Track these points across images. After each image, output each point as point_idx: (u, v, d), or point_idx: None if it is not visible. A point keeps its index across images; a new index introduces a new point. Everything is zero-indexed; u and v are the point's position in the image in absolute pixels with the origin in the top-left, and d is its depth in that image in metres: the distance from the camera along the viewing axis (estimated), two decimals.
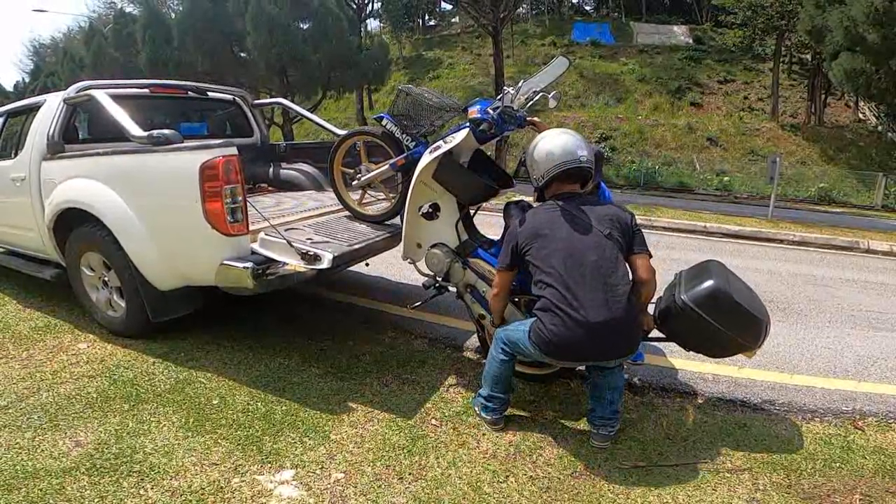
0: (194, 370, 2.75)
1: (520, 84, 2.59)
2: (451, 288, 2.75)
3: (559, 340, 2.00)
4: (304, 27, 16.17)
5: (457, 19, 33.66)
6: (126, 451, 2.02)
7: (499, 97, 2.52)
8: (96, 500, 1.78)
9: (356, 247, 2.76)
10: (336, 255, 2.49)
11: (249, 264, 2.49)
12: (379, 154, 3.08)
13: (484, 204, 2.87)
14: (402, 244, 2.80)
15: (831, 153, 18.78)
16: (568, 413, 2.49)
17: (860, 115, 21.71)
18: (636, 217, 2.28)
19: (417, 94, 2.81)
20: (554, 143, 2.20)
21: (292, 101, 9.82)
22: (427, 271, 2.75)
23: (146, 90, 3.92)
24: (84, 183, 3.04)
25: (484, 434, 2.27)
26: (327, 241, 2.69)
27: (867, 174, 16.77)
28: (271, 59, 15.23)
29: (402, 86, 2.95)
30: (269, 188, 4.45)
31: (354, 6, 20.39)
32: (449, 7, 26.47)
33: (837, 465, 2.17)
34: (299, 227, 2.95)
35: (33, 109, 3.62)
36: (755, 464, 2.15)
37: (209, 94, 4.37)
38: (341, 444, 2.15)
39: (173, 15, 19.57)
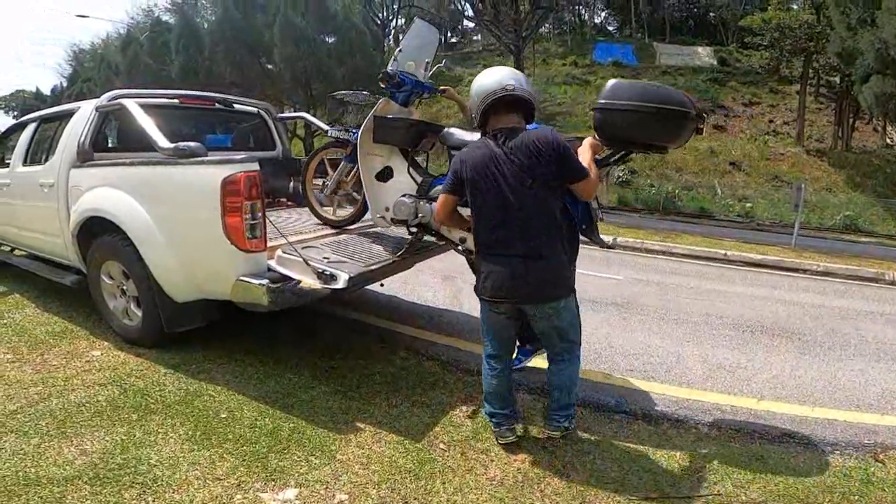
0: (205, 382, 2.75)
1: (396, 54, 2.88)
2: (429, 235, 2.92)
3: (492, 282, 2.13)
4: (330, 41, 16.56)
5: (479, 37, 34.08)
6: (130, 462, 2.02)
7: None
8: None
9: (373, 268, 2.76)
10: (352, 275, 2.49)
11: (265, 281, 2.49)
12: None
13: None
14: (370, 213, 3.05)
15: (858, 180, 18.38)
16: (578, 439, 2.42)
17: (888, 140, 21.28)
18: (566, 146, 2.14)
19: (340, 96, 3.51)
20: (483, 78, 2.22)
21: (314, 114, 10.00)
22: (398, 232, 3.09)
23: (175, 100, 3.97)
24: (109, 192, 3.09)
25: (492, 460, 2.22)
26: (344, 261, 2.69)
27: (894, 202, 16.37)
28: (297, 71, 15.59)
29: (329, 94, 3.47)
30: (289, 203, 4.50)
31: (378, 22, 20.81)
32: (471, 25, 26.84)
33: (856, 497, 2.09)
34: (317, 245, 2.95)
35: (66, 116, 3.68)
36: (771, 496, 2.07)
37: (235, 106, 4.43)
38: (347, 464, 2.11)
39: (206, 25, 20.14)
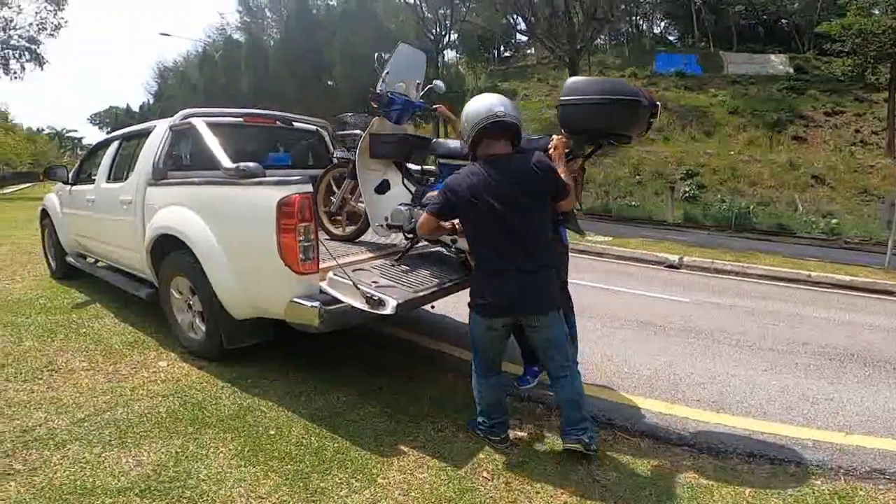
0: (257, 398, 2.82)
1: (384, 76, 3.08)
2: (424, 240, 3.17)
3: (494, 297, 2.25)
4: (386, 56, 17.09)
5: (532, 51, 33.99)
6: (181, 476, 2.08)
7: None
8: None
9: (421, 294, 2.75)
10: (400, 302, 2.48)
11: (317, 304, 2.53)
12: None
13: None
14: (370, 223, 3.30)
15: None
16: (632, 473, 2.24)
17: None
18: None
19: (345, 119, 3.81)
20: (476, 104, 2.33)
21: None
22: (396, 241, 3.42)
23: (240, 119, 4.12)
24: (179, 211, 3.25)
25: (537, 492, 2.10)
26: (393, 286, 2.69)
27: None
28: (355, 88, 16.13)
29: (334, 116, 3.75)
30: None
31: (432, 38, 21.19)
32: (524, 39, 26.84)
33: None
34: (367, 267, 2.98)
35: (145, 135, 3.88)
36: None
37: (294, 124, 4.56)
38: (387, 489, 2.07)
39: (272, 42, 21.27)
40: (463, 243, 2.78)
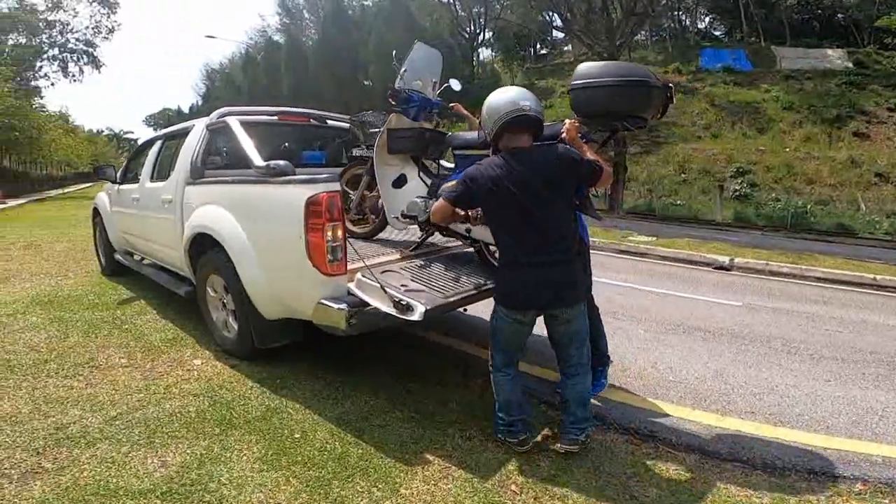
0: (286, 399, 2.78)
1: (402, 74, 3.13)
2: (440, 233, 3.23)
3: (521, 290, 2.22)
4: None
5: (569, 48, 33.16)
6: (203, 479, 2.05)
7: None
8: None
9: (451, 299, 2.64)
10: (428, 308, 2.39)
11: (345, 306, 2.47)
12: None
13: None
14: (387, 216, 3.33)
15: None
16: (676, 489, 2.06)
17: None
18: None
19: (362, 118, 3.71)
20: (497, 97, 2.28)
21: None
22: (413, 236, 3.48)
23: (275, 117, 4.11)
24: (214, 210, 3.27)
25: None
26: (422, 290, 2.59)
27: None
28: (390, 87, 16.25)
29: (351, 116, 3.76)
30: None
31: (466, 36, 20.94)
32: (561, 35, 26.24)
33: None
34: (397, 269, 2.90)
35: (184, 134, 3.93)
36: None
37: (328, 122, 4.53)
38: (410, 500, 1.97)
39: (310, 43, 21.66)
40: (477, 232, 2.82)
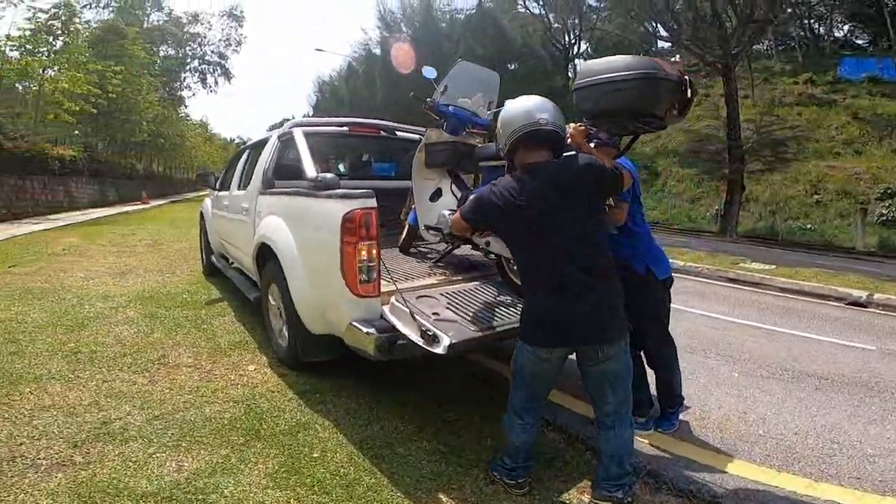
0: (318, 414, 2.72)
1: (442, 89, 3.09)
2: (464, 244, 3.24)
3: (549, 323, 1.90)
4: (511, 67, 16.66)
5: (677, 58, 30.76)
6: (208, 488, 2.02)
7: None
8: None
9: (485, 333, 2.39)
10: (454, 342, 2.20)
11: (373, 331, 2.34)
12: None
13: None
14: (420, 226, 3.34)
15: None
16: None
17: None
18: None
19: None
20: (513, 108, 2.06)
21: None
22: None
23: (345, 128, 4.11)
24: (275, 220, 3.34)
25: None
26: (454, 321, 2.40)
27: None
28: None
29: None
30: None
31: (560, 47, 20.06)
32: (667, 45, 24.37)
33: None
34: (436, 294, 2.74)
35: (263, 145, 4.10)
36: None
37: (398, 133, 4.47)
38: None
39: None
40: (495, 245, 2.74)
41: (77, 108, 16.75)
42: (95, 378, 3.10)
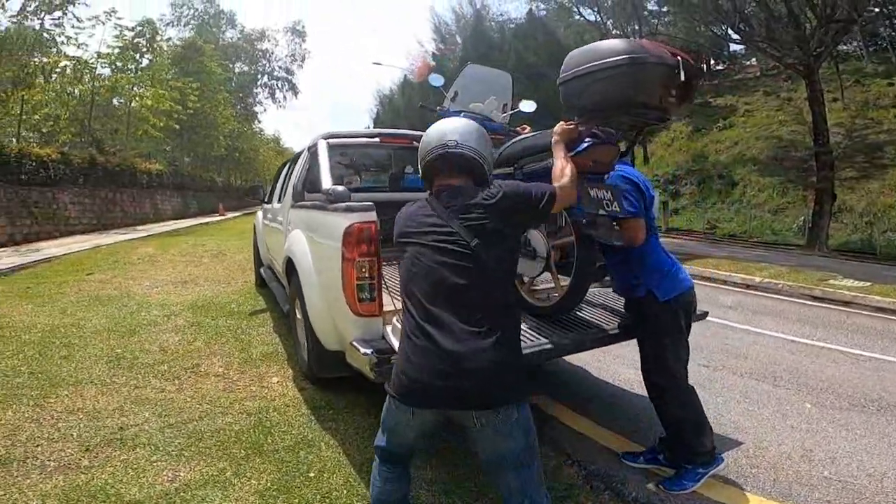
0: (326, 432, 2.65)
1: (451, 96, 2.92)
2: None
3: (409, 374, 1.49)
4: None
5: (753, 61, 28.46)
6: (194, 500, 2.00)
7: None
8: None
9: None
10: None
11: (370, 352, 2.22)
12: None
13: None
14: None
15: None
16: None
17: None
18: None
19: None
20: (431, 130, 1.76)
21: None
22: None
23: (376, 139, 4.04)
24: (298, 234, 3.35)
25: None
26: None
27: None
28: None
29: None
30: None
31: None
32: (741, 48, 22.55)
33: None
34: None
35: (298, 158, 4.18)
36: None
37: None
38: None
39: (452, 66, 22.36)
40: None
41: (161, 124, 18.25)
42: (129, 384, 3.23)
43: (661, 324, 2.23)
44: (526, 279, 2.70)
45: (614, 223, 2.18)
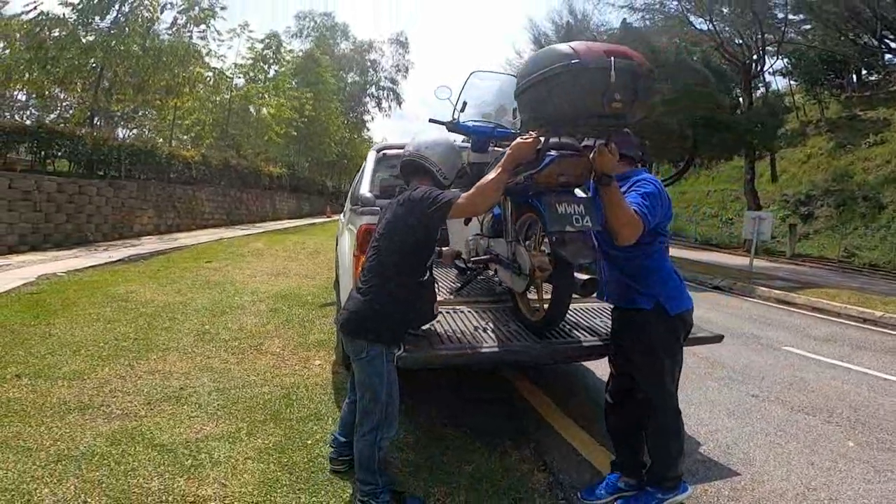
0: (337, 409, 3.00)
1: (460, 105, 2.85)
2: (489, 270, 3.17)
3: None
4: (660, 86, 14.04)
5: None
6: (204, 449, 2.46)
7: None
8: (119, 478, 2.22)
9: (440, 353, 2.34)
10: (403, 355, 2.20)
11: None
12: None
13: None
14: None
15: None
16: None
17: None
18: None
19: None
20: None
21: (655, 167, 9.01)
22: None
23: None
24: (346, 234, 3.81)
25: None
26: (422, 336, 2.43)
27: None
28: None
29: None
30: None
31: (739, 63, 16.27)
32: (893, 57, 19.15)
33: None
34: (463, 310, 2.86)
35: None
36: None
37: None
38: None
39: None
40: (502, 274, 2.80)
41: (282, 131, 20.48)
42: (204, 354, 3.91)
43: (664, 339, 2.13)
44: (518, 294, 2.77)
45: (589, 239, 2.12)
